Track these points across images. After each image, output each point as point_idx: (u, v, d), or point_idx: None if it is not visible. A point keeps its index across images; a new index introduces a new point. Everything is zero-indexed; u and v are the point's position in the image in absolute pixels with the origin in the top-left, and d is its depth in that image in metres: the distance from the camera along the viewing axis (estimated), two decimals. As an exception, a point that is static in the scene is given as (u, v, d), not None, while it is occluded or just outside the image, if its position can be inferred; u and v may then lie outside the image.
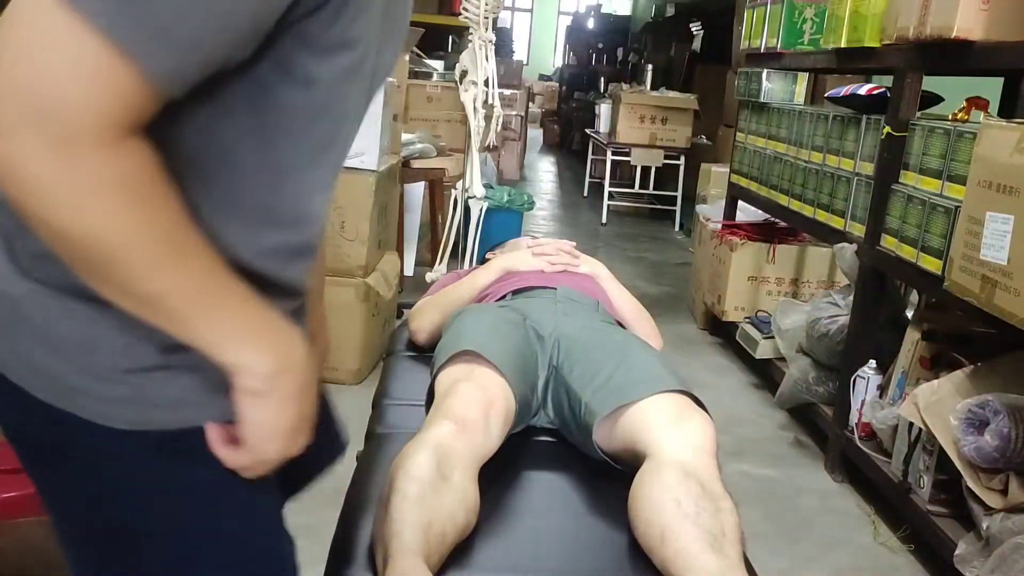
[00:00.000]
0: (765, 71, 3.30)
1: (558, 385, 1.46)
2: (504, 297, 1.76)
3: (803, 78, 3.36)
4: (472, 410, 1.23)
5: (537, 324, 1.55)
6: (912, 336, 2.23)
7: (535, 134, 11.33)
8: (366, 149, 2.71)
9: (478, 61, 3.13)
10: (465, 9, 3.13)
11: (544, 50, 16.76)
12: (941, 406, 1.87)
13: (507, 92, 6.81)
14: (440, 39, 6.01)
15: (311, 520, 1.35)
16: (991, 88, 2.65)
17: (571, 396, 1.40)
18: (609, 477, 1.29)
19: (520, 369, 1.40)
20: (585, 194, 7.50)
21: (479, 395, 1.26)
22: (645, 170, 6.41)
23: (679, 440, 1.20)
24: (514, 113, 7.32)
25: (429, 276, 3.22)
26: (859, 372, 2.35)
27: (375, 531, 1.06)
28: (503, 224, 3.76)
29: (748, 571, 1.08)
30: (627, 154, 6.10)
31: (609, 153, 6.13)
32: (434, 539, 1.03)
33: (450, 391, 1.27)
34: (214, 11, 0.61)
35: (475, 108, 3.15)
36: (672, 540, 1.05)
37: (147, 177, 0.65)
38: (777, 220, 3.39)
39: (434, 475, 1.08)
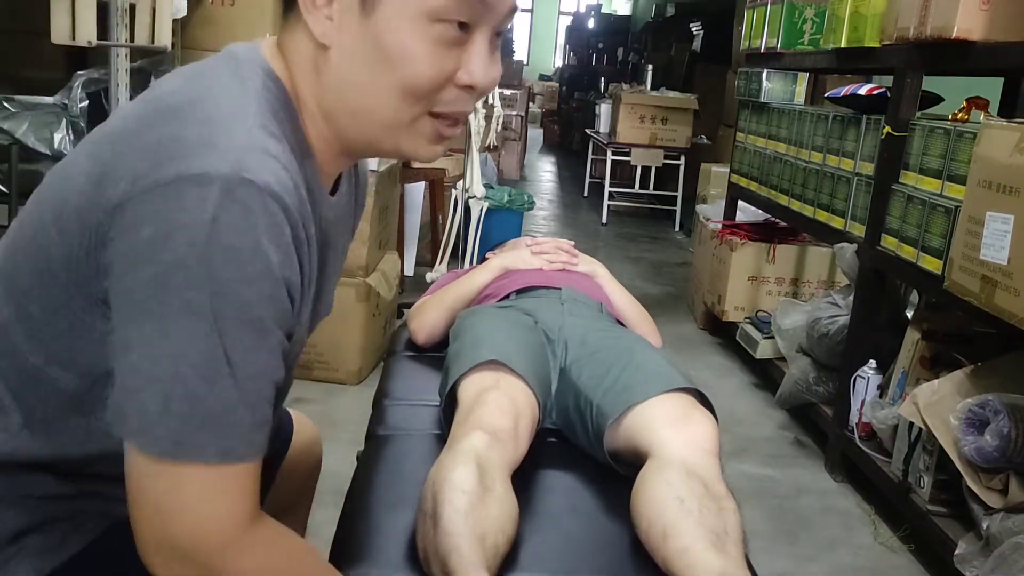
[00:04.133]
0: (765, 71, 3.30)
1: (565, 386, 1.46)
2: (508, 296, 1.76)
3: (803, 78, 3.36)
4: (503, 420, 1.22)
5: (545, 326, 1.56)
6: (912, 336, 2.23)
7: (535, 134, 11.33)
8: (366, 149, 2.70)
9: (478, 61, 3.13)
10: (465, 9, 3.13)
11: (544, 50, 16.76)
12: (941, 406, 1.87)
13: (507, 92, 6.82)
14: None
15: (311, 520, 1.35)
16: (991, 88, 2.65)
17: (579, 398, 1.40)
18: (611, 476, 1.29)
19: (540, 376, 1.40)
20: (585, 194, 7.50)
21: (508, 404, 1.25)
22: (645, 170, 6.41)
23: (682, 440, 1.20)
24: (514, 113, 7.33)
25: (429, 276, 3.22)
26: (859, 372, 2.35)
27: (425, 547, 1.04)
28: (503, 224, 3.76)
29: (749, 571, 1.08)
30: (627, 154, 6.09)
31: (609, 153, 6.13)
32: (489, 551, 1.01)
33: (478, 401, 1.26)
34: (262, 376, 0.71)
35: (475, 108, 3.15)
36: (674, 538, 1.05)
37: (286, 538, 0.79)
38: (777, 220, 3.39)
39: (479, 486, 1.06)
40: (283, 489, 1.21)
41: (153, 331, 0.66)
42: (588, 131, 7.41)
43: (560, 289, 1.73)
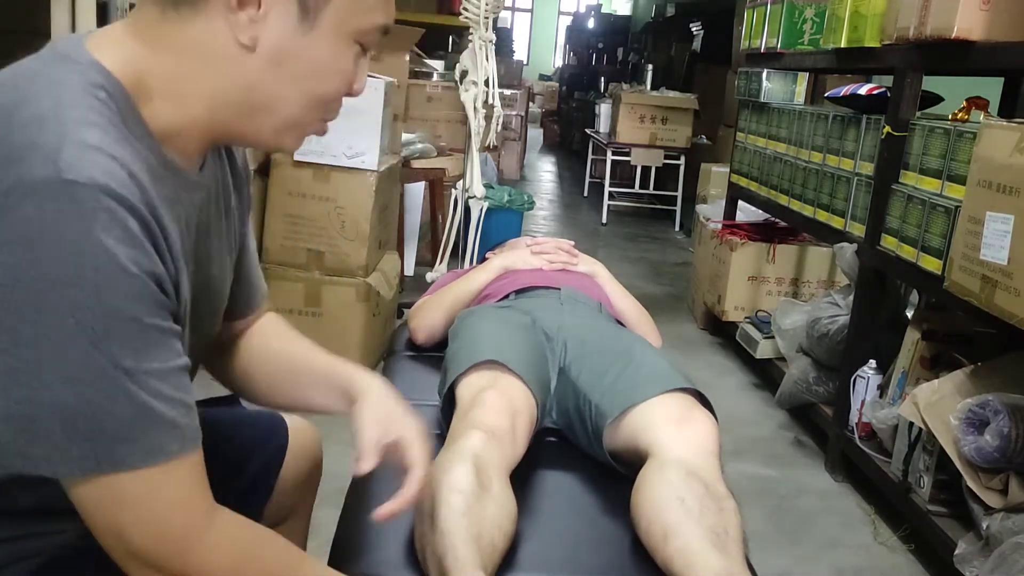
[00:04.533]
0: (765, 71, 3.31)
1: (564, 386, 1.46)
2: (507, 296, 1.76)
3: (803, 78, 3.36)
4: (500, 419, 1.22)
5: (544, 325, 1.56)
6: (912, 336, 2.23)
7: (535, 134, 11.32)
8: (366, 149, 2.71)
9: (478, 61, 3.13)
10: (465, 9, 3.13)
11: (544, 50, 16.76)
12: (941, 406, 1.87)
13: (507, 92, 6.81)
14: (440, 39, 6.00)
15: (312, 520, 1.35)
16: (991, 88, 2.65)
17: (579, 398, 1.40)
18: (612, 476, 1.29)
19: (538, 376, 1.40)
20: (585, 194, 7.50)
21: (505, 403, 1.25)
22: (645, 170, 6.41)
23: (682, 440, 1.20)
24: (514, 113, 7.32)
25: (429, 276, 3.22)
26: (859, 372, 2.35)
27: (421, 547, 1.04)
28: (503, 224, 3.76)
29: (749, 571, 1.08)
30: (627, 154, 6.09)
31: (609, 153, 6.13)
32: (486, 550, 1.02)
33: (476, 401, 1.26)
34: (162, 371, 0.69)
35: (475, 108, 3.15)
36: (675, 538, 1.05)
37: (245, 527, 0.79)
38: (777, 220, 3.39)
39: (476, 486, 1.06)
40: (281, 495, 1.20)
41: (30, 359, 0.64)
42: (588, 131, 7.41)
43: (560, 289, 1.73)
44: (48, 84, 0.70)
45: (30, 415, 0.65)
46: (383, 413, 0.96)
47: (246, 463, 1.14)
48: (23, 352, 0.64)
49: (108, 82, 0.72)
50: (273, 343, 1.05)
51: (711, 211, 3.94)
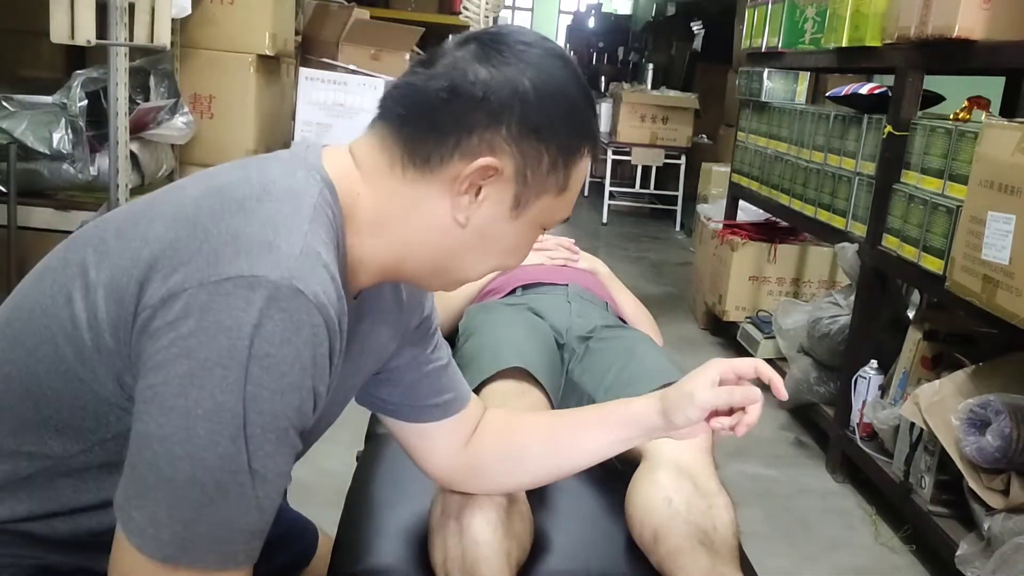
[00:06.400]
0: (766, 70, 3.30)
1: (568, 387, 1.46)
2: (514, 292, 1.74)
3: (804, 77, 3.35)
4: None
5: (554, 328, 1.55)
6: (913, 336, 2.23)
7: (536, 133, 11.30)
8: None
9: (479, 60, 3.13)
10: (465, 8, 3.13)
11: (545, 49, 16.74)
12: (942, 406, 1.87)
13: (508, 91, 6.79)
14: (441, 39, 6.00)
15: (313, 521, 1.35)
16: (992, 87, 2.64)
17: (582, 397, 1.40)
18: (611, 476, 1.29)
19: (554, 385, 1.40)
20: (586, 194, 7.49)
21: None
22: (646, 169, 6.40)
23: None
24: (515, 112, 7.31)
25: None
26: (860, 372, 2.35)
27: (446, 550, 1.02)
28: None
29: (747, 570, 1.07)
30: (628, 153, 6.09)
31: (610, 152, 6.13)
32: (514, 567, 1.02)
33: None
34: (275, 483, 0.69)
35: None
36: (664, 539, 1.05)
37: None
38: (778, 220, 3.39)
39: (506, 498, 1.06)
40: None
41: (177, 429, 0.65)
42: (589, 130, 7.40)
43: (567, 286, 1.72)
44: (289, 190, 0.73)
45: (147, 482, 0.66)
46: (695, 376, 0.95)
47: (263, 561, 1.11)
48: (178, 422, 0.64)
49: (335, 204, 0.77)
50: (514, 423, 1.07)
51: (712, 211, 3.94)
